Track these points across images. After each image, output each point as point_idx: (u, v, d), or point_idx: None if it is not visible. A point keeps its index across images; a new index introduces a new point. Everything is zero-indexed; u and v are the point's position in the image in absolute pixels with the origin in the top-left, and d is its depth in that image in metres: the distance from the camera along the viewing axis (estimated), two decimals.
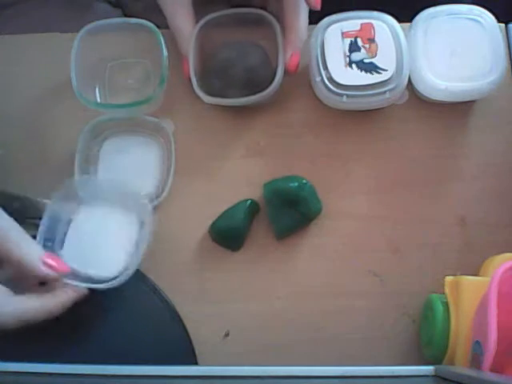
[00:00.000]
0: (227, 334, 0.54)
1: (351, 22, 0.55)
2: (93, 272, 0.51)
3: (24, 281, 0.47)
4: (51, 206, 0.51)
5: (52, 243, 0.51)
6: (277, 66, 0.54)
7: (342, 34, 0.54)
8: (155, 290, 0.54)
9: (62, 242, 0.52)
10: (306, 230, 0.55)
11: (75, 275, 0.50)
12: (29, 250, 0.46)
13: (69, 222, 0.53)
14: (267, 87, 0.53)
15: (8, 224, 0.46)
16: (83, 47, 0.55)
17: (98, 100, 0.56)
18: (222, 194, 0.56)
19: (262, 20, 0.55)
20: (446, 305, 0.50)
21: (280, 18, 0.55)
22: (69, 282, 0.49)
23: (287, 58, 0.54)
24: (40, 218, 0.50)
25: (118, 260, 0.51)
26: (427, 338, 0.51)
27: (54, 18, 0.65)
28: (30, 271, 0.46)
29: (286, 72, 0.54)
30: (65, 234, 0.52)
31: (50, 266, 0.47)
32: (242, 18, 0.56)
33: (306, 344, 0.54)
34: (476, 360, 0.45)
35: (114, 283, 0.49)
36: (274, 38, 0.55)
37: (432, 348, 0.50)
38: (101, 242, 0.52)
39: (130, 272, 0.50)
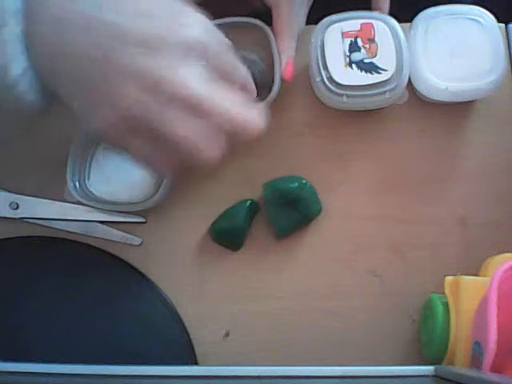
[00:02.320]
0: (227, 334, 0.54)
1: (351, 22, 0.55)
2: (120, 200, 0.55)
3: None
4: (73, 150, 0.54)
5: (78, 181, 0.54)
6: (273, 75, 0.54)
7: (342, 33, 0.54)
8: (155, 289, 0.54)
9: (88, 178, 0.55)
10: (306, 230, 0.55)
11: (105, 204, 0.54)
12: None
13: (91, 160, 0.55)
14: (265, 97, 0.53)
15: None
16: None
17: None
18: (222, 194, 0.56)
19: (257, 29, 0.55)
20: (446, 305, 0.50)
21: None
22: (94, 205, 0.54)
23: (282, 66, 0.54)
24: None
25: (142, 188, 0.54)
26: (427, 338, 0.51)
27: None
28: None
29: (281, 79, 0.54)
30: (89, 172, 0.55)
31: None
32: (236, 26, 0.56)
33: (306, 344, 0.54)
34: (476, 360, 0.45)
35: (142, 206, 0.54)
36: (269, 46, 0.54)
37: (432, 348, 0.50)
38: (123, 175, 0.55)
39: (157, 199, 0.53)
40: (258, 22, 0.55)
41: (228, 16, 0.56)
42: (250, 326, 0.54)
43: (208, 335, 0.53)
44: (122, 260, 0.54)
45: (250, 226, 0.55)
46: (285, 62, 0.54)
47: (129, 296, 0.54)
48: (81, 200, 0.54)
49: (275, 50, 0.54)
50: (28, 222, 0.54)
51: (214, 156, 0.43)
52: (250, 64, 0.47)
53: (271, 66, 0.54)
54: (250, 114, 0.43)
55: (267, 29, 0.54)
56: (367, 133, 0.57)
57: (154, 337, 0.53)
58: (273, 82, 0.54)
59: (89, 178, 0.55)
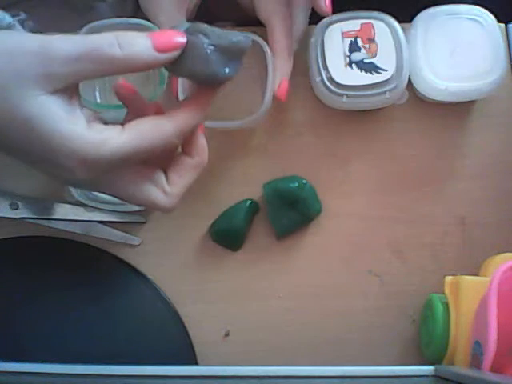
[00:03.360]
0: (227, 334, 0.54)
1: (351, 22, 0.55)
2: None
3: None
4: None
5: None
6: (265, 93, 0.53)
7: (342, 33, 0.54)
8: (155, 289, 0.54)
9: None
10: (306, 229, 0.55)
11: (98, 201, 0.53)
12: (132, 41, 0.38)
13: None
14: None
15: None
16: None
17: (98, 100, 0.56)
18: (222, 194, 0.56)
19: (254, 44, 0.54)
20: (446, 305, 0.50)
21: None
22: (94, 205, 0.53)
23: (276, 85, 0.53)
24: None
25: None
26: (427, 338, 0.51)
27: (53, 18, 0.65)
28: (143, 65, 0.38)
29: (275, 98, 0.53)
30: None
31: (163, 48, 0.38)
32: None
33: (306, 344, 0.54)
34: (476, 360, 0.45)
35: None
36: (265, 63, 0.53)
37: (432, 348, 0.50)
38: None
39: None
40: (255, 37, 0.54)
41: (222, 20, 0.56)
42: (249, 326, 0.54)
43: (208, 335, 0.53)
44: (122, 260, 0.54)
45: (249, 226, 0.55)
46: (278, 82, 0.53)
47: (128, 296, 0.54)
48: (81, 200, 0.54)
49: (270, 67, 0.53)
50: (28, 222, 0.54)
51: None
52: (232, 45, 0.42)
53: (265, 80, 0.53)
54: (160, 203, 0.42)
55: (264, 44, 0.54)
56: (367, 133, 0.57)
57: (154, 337, 0.53)
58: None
59: None
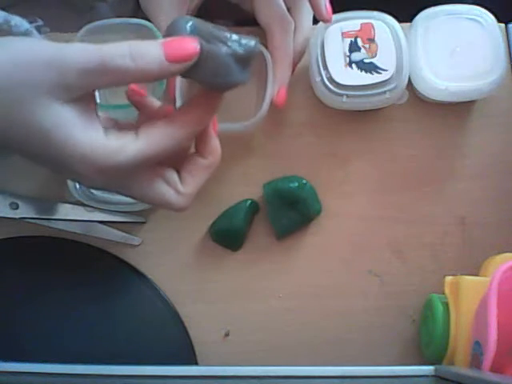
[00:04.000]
0: (227, 334, 0.54)
1: (351, 21, 0.55)
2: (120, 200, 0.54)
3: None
4: None
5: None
6: (263, 99, 0.53)
7: (342, 34, 0.54)
8: (155, 289, 0.54)
9: None
10: (306, 229, 0.55)
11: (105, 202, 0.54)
12: (144, 52, 0.37)
13: None
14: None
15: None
16: None
17: (98, 100, 0.56)
18: (221, 194, 0.56)
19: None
20: (445, 305, 0.50)
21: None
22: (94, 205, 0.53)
23: (275, 92, 0.53)
24: None
25: None
26: (427, 338, 0.51)
27: (53, 18, 0.65)
28: (156, 76, 0.38)
29: (273, 104, 0.53)
30: None
31: (176, 59, 0.37)
32: None
33: (306, 344, 0.54)
34: (476, 360, 0.45)
35: (142, 206, 0.53)
36: (265, 69, 0.54)
37: (432, 348, 0.50)
38: None
39: None
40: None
41: (222, 19, 0.56)
42: (249, 326, 0.54)
43: (208, 335, 0.53)
44: (122, 260, 0.54)
45: (249, 226, 0.55)
46: (277, 89, 0.53)
47: (129, 296, 0.54)
48: (81, 200, 0.54)
49: (270, 74, 0.53)
50: (28, 222, 0.54)
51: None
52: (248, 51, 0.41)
53: (264, 84, 0.53)
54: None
55: (265, 51, 0.54)
56: (367, 133, 0.57)
57: (154, 337, 0.53)
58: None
59: None
